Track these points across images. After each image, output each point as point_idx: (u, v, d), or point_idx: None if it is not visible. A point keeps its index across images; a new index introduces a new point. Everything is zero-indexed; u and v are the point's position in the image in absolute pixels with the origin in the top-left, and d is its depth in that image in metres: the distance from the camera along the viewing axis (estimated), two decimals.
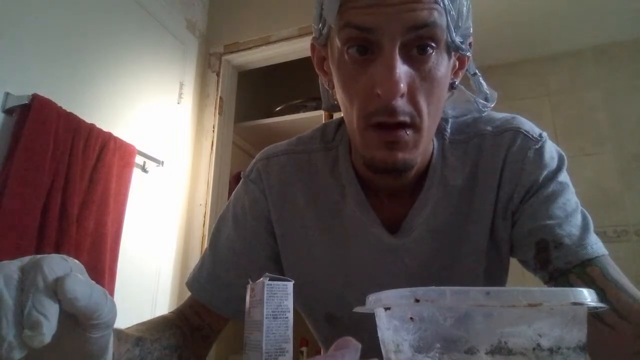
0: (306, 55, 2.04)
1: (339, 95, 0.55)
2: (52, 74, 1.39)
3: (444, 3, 0.47)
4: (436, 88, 0.50)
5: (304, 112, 2.22)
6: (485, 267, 0.61)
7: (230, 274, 0.65)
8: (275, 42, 2.07)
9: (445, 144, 0.62)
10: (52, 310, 0.30)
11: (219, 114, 2.09)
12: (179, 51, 2.03)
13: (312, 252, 0.65)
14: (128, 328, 0.55)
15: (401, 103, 0.48)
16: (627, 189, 2.16)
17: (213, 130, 2.06)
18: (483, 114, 0.63)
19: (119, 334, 0.49)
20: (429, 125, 0.51)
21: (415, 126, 0.50)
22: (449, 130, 0.62)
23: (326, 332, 0.71)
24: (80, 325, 0.33)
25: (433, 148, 0.61)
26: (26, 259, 0.33)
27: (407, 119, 0.49)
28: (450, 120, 0.63)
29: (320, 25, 0.55)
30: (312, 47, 0.61)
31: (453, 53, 0.53)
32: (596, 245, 0.55)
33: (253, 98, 2.57)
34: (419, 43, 0.48)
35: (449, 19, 0.48)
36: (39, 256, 0.32)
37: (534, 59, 2.48)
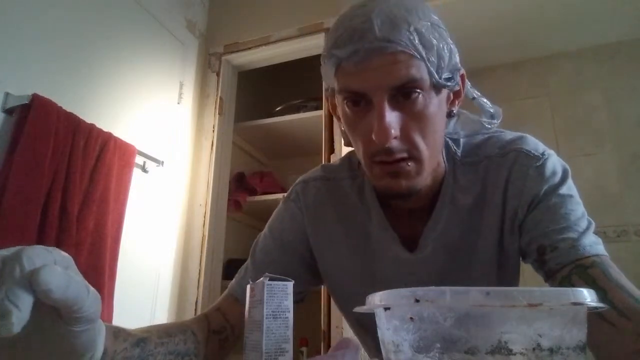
0: (306, 55, 2.06)
1: (349, 136, 0.63)
2: (52, 74, 1.39)
3: (421, 55, 0.54)
4: (429, 124, 0.57)
5: (304, 112, 2.21)
6: (497, 279, 0.66)
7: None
8: (275, 42, 2.06)
9: (456, 166, 0.68)
10: (24, 300, 0.30)
11: (219, 114, 2.09)
12: (179, 51, 2.03)
13: (342, 265, 0.73)
14: (138, 328, 0.54)
15: (396, 144, 0.55)
16: (627, 189, 2.16)
17: (213, 130, 2.06)
18: (492, 132, 0.70)
19: (118, 332, 0.49)
20: (429, 154, 0.58)
21: (415, 158, 0.57)
22: (459, 154, 0.69)
23: (357, 330, 0.80)
24: (62, 319, 0.33)
25: (445, 170, 0.67)
26: (11, 249, 0.33)
27: (404, 154, 0.57)
28: (462, 140, 0.70)
29: (326, 82, 0.64)
30: (326, 97, 0.69)
31: (443, 89, 0.59)
32: (590, 247, 0.57)
33: (253, 98, 2.57)
34: (403, 91, 0.55)
35: (428, 65, 0.54)
36: (21, 247, 0.33)
37: (534, 59, 2.48)
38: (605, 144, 2.24)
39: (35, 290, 0.31)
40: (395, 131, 0.54)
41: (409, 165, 0.57)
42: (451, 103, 0.64)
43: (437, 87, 0.57)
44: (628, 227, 2.12)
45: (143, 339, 0.52)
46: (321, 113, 1.96)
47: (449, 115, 0.64)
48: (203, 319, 0.67)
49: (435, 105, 0.57)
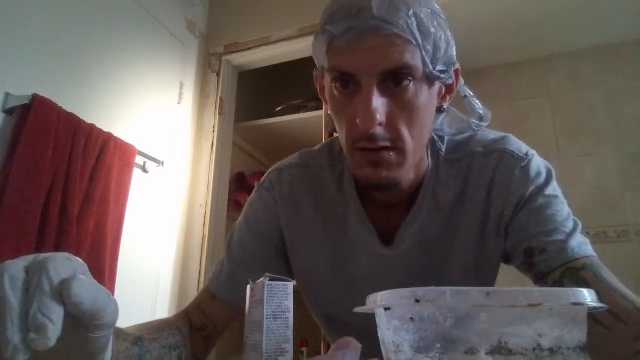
0: (306, 55, 2.05)
1: (334, 120, 0.61)
2: (52, 74, 1.39)
3: (417, 41, 0.51)
4: (417, 115, 0.55)
5: (304, 112, 2.21)
6: (475, 278, 0.65)
7: (245, 272, 0.68)
8: (275, 42, 2.06)
9: (439, 162, 0.66)
10: (57, 313, 0.30)
11: (219, 114, 2.09)
12: (179, 51, 2.03)
13: (316, 258, 0.70)
14: (127, 327, 0.55)
15: (380, 130, 0.53)
16: (627, 189, 2.16)
17: (213, 130, 2.06)
18: (477, 132, 0.67)
19: (118, 332, 0.50)
20: (413, 147, 0.56)
21: (397, 148, 0.55)
22: (444, 150, 0.67)
23: (327, 329, 0.78)
24: (82, 326, 0.33)
25: (428, 165, 0.66)
26: (30, 257, 0.33)
27: (387, 143, 0.54)
28: (446, 138, 0.68)
29: (317, 60, 0.61)
30: (315, 77, 0.66)
31: (436, 81, 0.57)
32: (578, 248, 0.57)
33: (253, 98, 2.57)
34: (394, 77, 0.52)
35: (423, 53, 0.52)
36: (43, 255, 0.32)
37: (534, 59, 2.48)
38: (605, 144, 2.24)
39: (65, 302, 0.31)
40: (380, 117, 0.52)
41: (390, 155, 0.54)
42: (442, 98, 0.62)
43: (429, 78, 0.55)
44: (628, 227, 2.11)
45: (139, 337, 0.54)
46: (321, 113, 1.96)
47: (439, 110, 0.62)
48: (184, 317, 0.68)
49: (425, 96, 0.55)
